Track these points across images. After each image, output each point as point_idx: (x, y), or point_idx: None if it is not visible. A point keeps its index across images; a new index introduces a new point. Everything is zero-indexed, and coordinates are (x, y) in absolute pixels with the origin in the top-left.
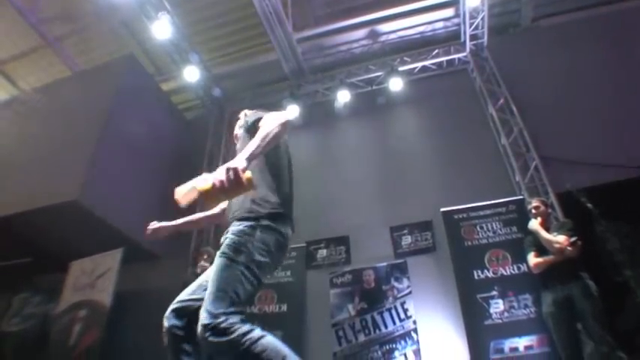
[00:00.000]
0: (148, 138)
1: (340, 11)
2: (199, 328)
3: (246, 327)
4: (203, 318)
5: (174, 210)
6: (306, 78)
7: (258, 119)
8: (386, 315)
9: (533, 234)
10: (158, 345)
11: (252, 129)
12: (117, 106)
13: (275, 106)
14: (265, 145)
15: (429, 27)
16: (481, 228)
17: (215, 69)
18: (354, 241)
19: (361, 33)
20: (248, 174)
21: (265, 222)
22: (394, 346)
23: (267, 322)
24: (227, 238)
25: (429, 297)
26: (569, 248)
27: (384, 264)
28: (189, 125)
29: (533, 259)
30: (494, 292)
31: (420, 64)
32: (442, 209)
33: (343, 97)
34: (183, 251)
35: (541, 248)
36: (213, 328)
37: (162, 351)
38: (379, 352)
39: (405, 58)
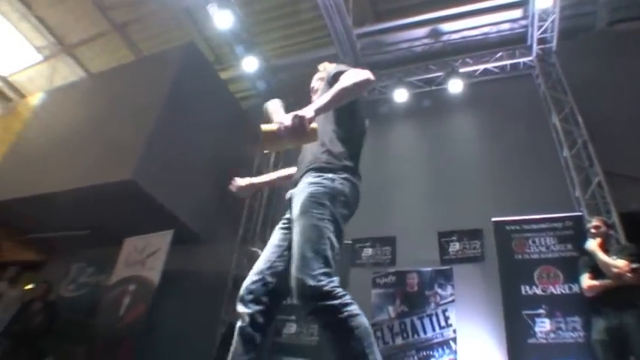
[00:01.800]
0: (204, 124)
1: (402, 8)
2: (298, 290)
3: (347, 297)
4: (304, 280)
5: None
6: None
7: (340, 72)
8: (426, 321)
9: (590, 255)
10: (198, 323)
11: (332, 82)
12: (176, 91)
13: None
14: (338, 100)
15: (494, 28)
16: (533, 242)
17: (273, 60)
18: (401, 243)
19: (423, 31)
20: (314, 125)
21: (343, 174)
22: (431, 353)
23: (304, 317)
24: (304, 191)
25: (472, 307)
26: (628, 274)
27: (429, 269)
28: (245, 114)
29: (587, 280)
30: (541, 311)
31: (482, 67)
32: (494, 219)
33: (400, 95)
34: (231, 236)
35: (597, 270)
36: (316, 290)
37: (202, 328)
38: (415, 358)
39: (467, 60)
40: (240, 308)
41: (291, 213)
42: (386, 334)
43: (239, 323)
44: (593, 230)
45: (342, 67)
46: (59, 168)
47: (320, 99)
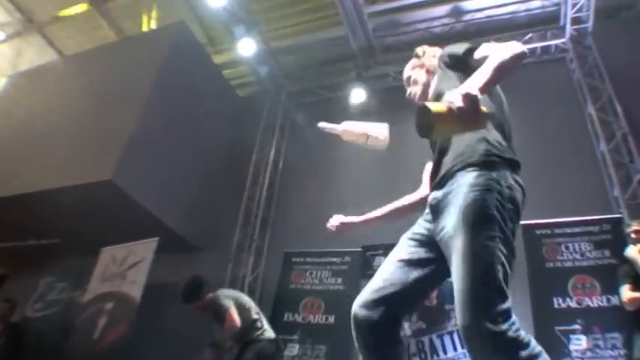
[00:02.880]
0: (195, 116)
1: None
2: (472, 336)
3: (535, 346)
4: (481, 323)
5: (219, 199)
6: (376, 58)
7: (472, 49)
8: (446, 339)
9: (631, 263)
10: (187, 345)
11: (460, 63)
12: (163, 78)
13: (339, 88)
14: (499, 76)
15: (523, 6)
16: (567, 248)
17: (273, 42)
18: None
19: (443, 10)
20: (483, 107)
21: (509, 172)
22: None
23: (311, 334)
24: (463, 196)
25: None
26: None
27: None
28: (242, 103)
29: (627, 292)
30: (576, 326)
31: None
32: (522, 222)
33: None
34: (225, 243)
35: (639, 281)
36: (498, 338)
37: (191, 351)
38: None
39: (492, 42)
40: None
41: (436, 223)
42: None
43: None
44: (633, 235)
45: (465, 44)
46: (25, 167)
47: (479, 74)
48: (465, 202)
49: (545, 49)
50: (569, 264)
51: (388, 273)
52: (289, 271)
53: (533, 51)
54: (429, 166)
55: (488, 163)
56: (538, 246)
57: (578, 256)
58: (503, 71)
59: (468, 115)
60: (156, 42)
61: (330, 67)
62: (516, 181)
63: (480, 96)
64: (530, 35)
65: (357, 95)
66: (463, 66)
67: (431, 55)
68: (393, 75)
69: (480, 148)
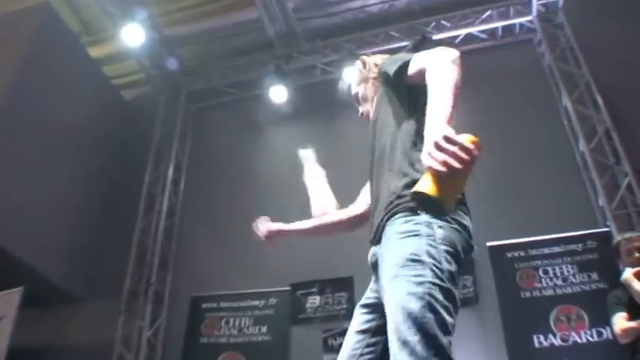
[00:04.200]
0: (68, 125)
1: None
2: None
3: None
4: None
5: (105, 234)
6: (299, 47)
7: (406, 63)
8: None
9: (623, 287)
10: None
11: (397, 79)
12: (23, 78)
13: (254, 85)
14: (455, 94)
15: None
16: (545, 273)
17: (168, 29)
18: (362, 285)
19: None
20: (467, 136)
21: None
22: None
23: None
24: (390, 247)
25: None
26: None
27: None
28: (129, 109)
29: (621, 322)
30: None
31: (463, 32)
32: (489, 243)
33: (352, 75)
34: (114, 290)
35: (634, 308)
36: None
37: None
38: None
39: (443, 22)
40: None
41: (377, 282)
42: None
43: None
44: (637, 254)
45: (401, 55)
46: None
47: (436, 103)
48: (392, 251)
49: (508, 30)
50: (549, 292)
51: (348, 348)
52: (199, 321)
53: (492, 32)
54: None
55: (414, 207)
56: (510, 272)
57: (559, 282)
58: (457, 88)
59: (466, 162)
60: (11, 30)
61: (241, 59)
62: (452, 220)
63: (451, 130)
64: (488, 13)
65: (277, 94)
66: (397, 83)
67: (373, 64)
68: (321, 67)
69: (406, 191)
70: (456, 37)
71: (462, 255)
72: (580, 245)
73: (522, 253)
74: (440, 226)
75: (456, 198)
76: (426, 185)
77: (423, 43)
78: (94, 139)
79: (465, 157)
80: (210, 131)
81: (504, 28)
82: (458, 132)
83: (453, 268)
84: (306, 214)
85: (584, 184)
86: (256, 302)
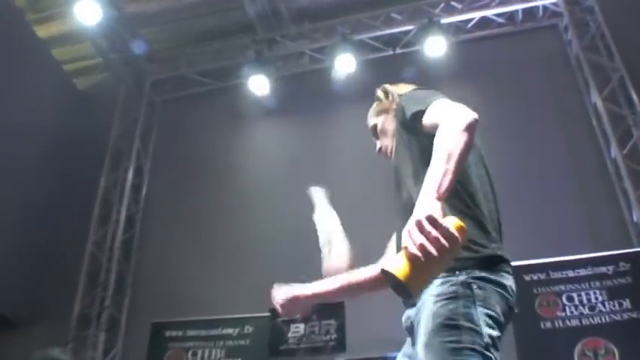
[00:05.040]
0: (7, 119)
1: None
2: None
3: None
4: None
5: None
6: (284, 29)
7: (420, 113)
8: None
9: None
10: None
11: (411, 124)
12: None
13: (230, 74)
14: (458, 167)
15: None
16: (569, 300)
17: (130, 6)
18: (354, 311)
19: None
20: (454, 221)
21: (481, 272)
22: None
23: None
24: (426, 311)
25: None
26: None
27: None
28: (82, 99)
29: None
30: None
31: (477, 15)
32: None
33: (346, 64)
34: (61, 315)
35: None
36: None
37: None
38: None
39: (453, 4)
40: None
41: (414, 348)
42: None
43: None
44: None
45: (419, 95)
46: None
47: (431, 175)
48: (427, 315)
49: (530, 13)
50: (574, 322)
51: None
52: (161, 352)
53: (511, 16)
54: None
55: (456, 268)
56: (528, 298)
57: (586, 311)
58: (463, 156)
59: (443, 249)
60: None
61: (216, 43)
62: (491, 280)
63: (440, 209)
64: None
65: (258, 84)
66: (414, 129)
67: (396, 95)
68: (309, 53)
69: None
70: (469, 20)
71: (502, 319)
72: (610, 268)
73: (543, 276)
74: (480, 287)
75: (426, 285)
76: (397, 266)
77: (429, 29)
78: (39, 135)
79: (445, 245)
80: (179, 128)
81: (525, 11)
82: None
83: (494, 333)
84: (300, 230)
85: (616, 196)
86: (229, 330)
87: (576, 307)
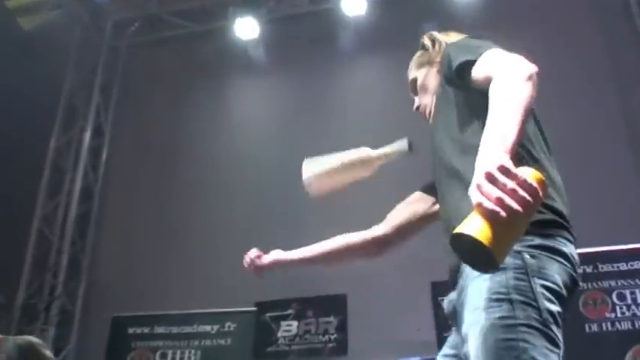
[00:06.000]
0: None
1: None
2: None
3: None
4: None
5: None
6: None
7: (470, 63)
8: None
9: None
10: None
11: (458, 77)
12: None
13: (210, 16)
14: (524, 118)
15: None
16: (621, 298)
17: None
18: (357, 307)
19: None
20: (530, 171)
21: (534, 239)
22: None
23: None
24: (472, 288)
25: None
26: None
27: (418, 359)
28: (28, 43)
29: None
30: None
31: None
32: None
33: (353, 4)
34: (1, 308)
35: None
36: None
37: None
38: None
39: None
40: None
41: (457, 333)
42: None
43: None
44: None
45: (472, 44)
46: None
47: (494, 127)
48: (471, 295)
49: None
50: (625, 325)
51: None
52: (123, 352)
53: None
54: (414, 198)
55: None
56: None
57: None
58: (526, 113)
59: (528, 204)
60: None
61: None
62: (553, 249)
63: (509, 161)
64: None
65: (245, 28)
66: (460, 83)
67: (444, 45)
68: None
69: None
70: None
71: (564, 292)
72: None
73: (589, 270)
74: (533, 256)
75: (509, 249)
76: (474, 227)
77: None
78: None
79: (526, 198)
80: (147, 80)
81: None
82: None
83: (554, 307)
84: (293, 210)
85: None
86: (207, 328)
87: (629, 307)
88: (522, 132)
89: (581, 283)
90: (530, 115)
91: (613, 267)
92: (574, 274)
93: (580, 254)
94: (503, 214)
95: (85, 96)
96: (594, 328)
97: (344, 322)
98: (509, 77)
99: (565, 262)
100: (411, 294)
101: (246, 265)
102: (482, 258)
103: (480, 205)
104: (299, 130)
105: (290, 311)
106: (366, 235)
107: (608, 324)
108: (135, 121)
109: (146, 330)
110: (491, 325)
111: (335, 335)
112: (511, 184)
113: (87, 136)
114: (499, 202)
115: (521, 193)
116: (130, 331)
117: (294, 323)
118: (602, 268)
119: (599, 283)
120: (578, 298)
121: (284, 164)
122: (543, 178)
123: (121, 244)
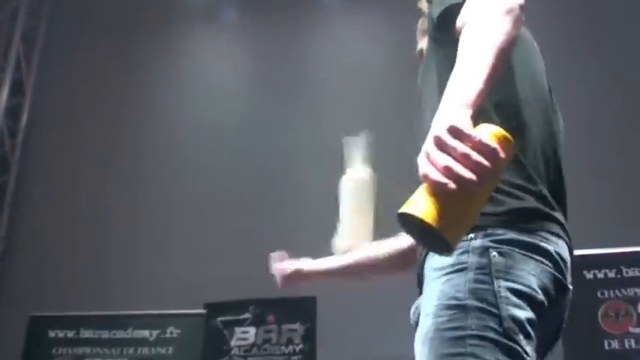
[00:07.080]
0: None
1: None
2: None
3: None
4: None
5: None
6: None
7: (449, 12)
8: None
9: None
10: None
11: (442, 30)
12: None
13: None
14: (494, 65)
15: None
16: None
17: None
18: (329, 311)
19: None
20: (491, 129)
21: (507, 233)
22: None
23: None
24: (426, 290)
25: None
26: None
27: None
28: None
29: None
30: None
31: None
32: None
33: None
34: None
35: None
36: None
37: None
38: None
39: None
40: None
41: None
42: None
43: None
44: None
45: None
46: None
47: (457, 77)
48: (426, 299)
49: None
50: None
51: None
52: (43, 359)
53: None
54: None
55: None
56: (589, 305)
57: None
58: (499, 55)
59: (483, 172)
60: None
61: None
62: (527, 244)
63: (468, 117)
64: None
65: None
66: (442, 38)
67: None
68: None
69: None
70: None
71: (540, 296)
72: None
73: (611, 274)
74: (501, 253)
75: (468, 225)
76: (419, 206)
77: None
78: None
79: (482, 164)
80: (80, 28)
81: None
82: None
83: (522, 314)
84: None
85: None
86: (144, 333)
87: None
88: (491, 79)
89: (600, 292)
90: (526, 63)
91: (633, 270)
92: (559, 276)
93: (600, 256)
94: (452, 185)
95: (3, 44)
96: (615, 345)
97: (312, 330)
98: (482, 12)
99: (545, 261)
100: (393, 298)
101: (274, 274)
102: (435, 240)
103: (425, 176)
104: (267, 91)
105: (247, 315)
106: (402, 244)
107: (632, 341)
108: (64, 78)
109: (70, 334)
110: (438, 336)
111: (301, 346)
112: (462, 147)
113: (4, 94)
114: (447, 171)
115: (475, 157)
116: (51, 334)
117: (252, 330)
118: (626, 272)
119: (623, 291)
120: (596, 308)
121: (250, 132)
122: (507, 136)
123: (44, 229)
